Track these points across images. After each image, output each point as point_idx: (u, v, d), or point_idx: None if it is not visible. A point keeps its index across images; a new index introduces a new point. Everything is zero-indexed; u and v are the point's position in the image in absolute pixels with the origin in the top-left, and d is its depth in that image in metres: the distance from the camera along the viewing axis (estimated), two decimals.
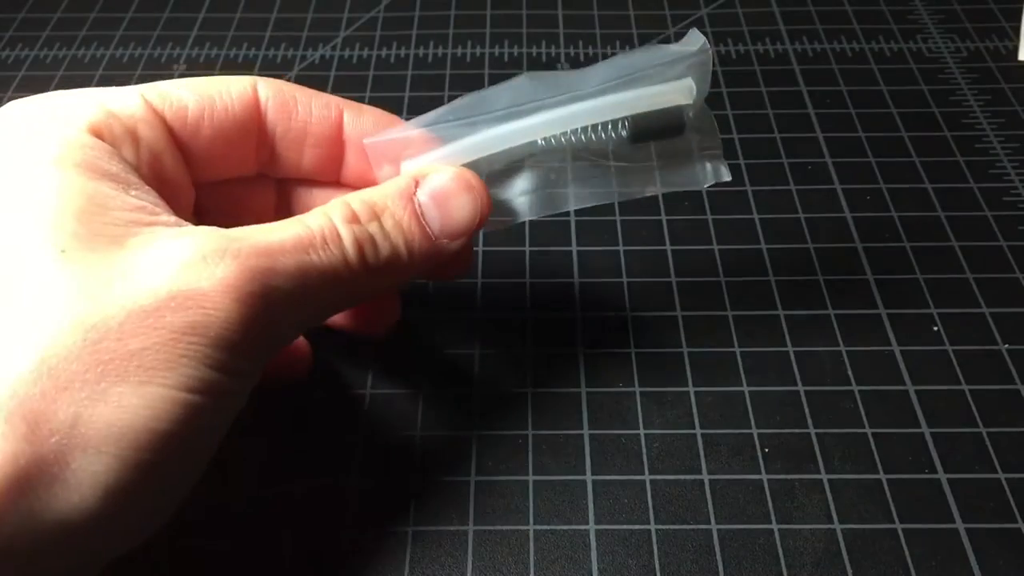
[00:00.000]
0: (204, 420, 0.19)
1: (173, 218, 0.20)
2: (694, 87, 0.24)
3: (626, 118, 0.24)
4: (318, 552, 0.24)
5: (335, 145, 0.25)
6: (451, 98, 0.39)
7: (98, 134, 0.21)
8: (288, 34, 0.43)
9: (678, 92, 0.24)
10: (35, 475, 0.17)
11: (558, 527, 0.25)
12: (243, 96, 0.24)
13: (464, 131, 0.24)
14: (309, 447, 0.27)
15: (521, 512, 0.25)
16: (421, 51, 0.42)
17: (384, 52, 0.42)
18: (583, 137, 0.24)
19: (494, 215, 0.25)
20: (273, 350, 0.21)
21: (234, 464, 0.26)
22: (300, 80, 0.41)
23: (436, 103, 0.39)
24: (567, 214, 0.34)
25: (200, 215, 0.25)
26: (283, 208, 0.27)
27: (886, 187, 0.35)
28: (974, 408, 0.27)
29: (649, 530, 0.25)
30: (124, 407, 0.18)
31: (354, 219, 0.22)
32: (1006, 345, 0.29)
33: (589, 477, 0.26)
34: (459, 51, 0.42)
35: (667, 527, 0.25)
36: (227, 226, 0.21)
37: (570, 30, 0.43)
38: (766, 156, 0.36)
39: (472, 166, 0.24)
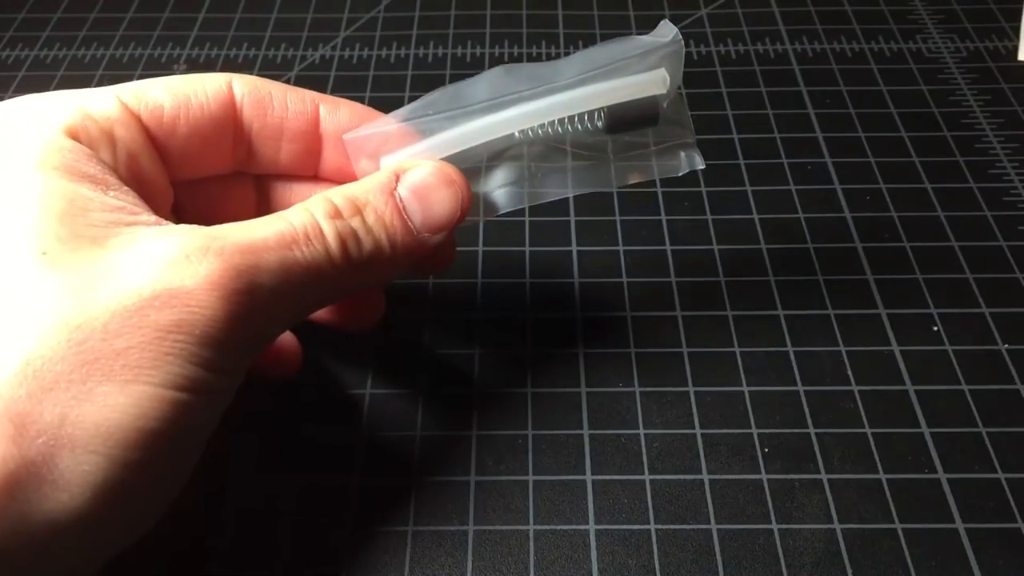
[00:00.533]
0: (191, 418, 0.19)
1: (153, 217, 0.21)
2: (668, 77, 0.24)
3: (602, 109, 0.24)
4: (318, 552, 0.24)
5: (312, 140, 0.25)
6: None
7: (75, 136, 0.21)
8: (288, 34, 0.43)
9: (652, 83, 0.24)
10: (24, 476, 0.17)
11: (558, 527, 0.25)
12: (218, 94, 0.24)
13: (442, 125, 0.24)
14: (309, 447, 0.27)
15: (521, 512, 0.25)
16: (421, 51, 0.42)
17: (384, 52, 0.42)
18: (560, 129, 0.24)
19: (476, 208, 0.25)
20: (258, 347, 0.21)
21: (234, 463, 0.26)
22: (300, 80, 0.41)
23: None
24: (567, 214, 0.34)
25: (179, 214, 0.25)
26: (263, 205, 0.27)
27: (886, 187, 0.35)
28: (974, 408, 0.27)
29: (649, 530, 0.25)
30: (111, 406, 0.18)
31: (336, 214, 0.22)
32: (1006, 345, 0.29)
33: (589, 477, 0.26)
34: (459, 51, 0.42)
35: (667, 527, 0.25)
36: (207, 224, 0.21)
37: (570, 30, 0.43)
38: (766, 156, 0.36)
39: (452, 159, 0.24)
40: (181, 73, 0.41)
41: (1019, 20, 0.42)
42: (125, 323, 0.18)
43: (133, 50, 0.43)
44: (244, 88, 0.24)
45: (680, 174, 0.25)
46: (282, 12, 0.45)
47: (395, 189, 0.23)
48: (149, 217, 0.20)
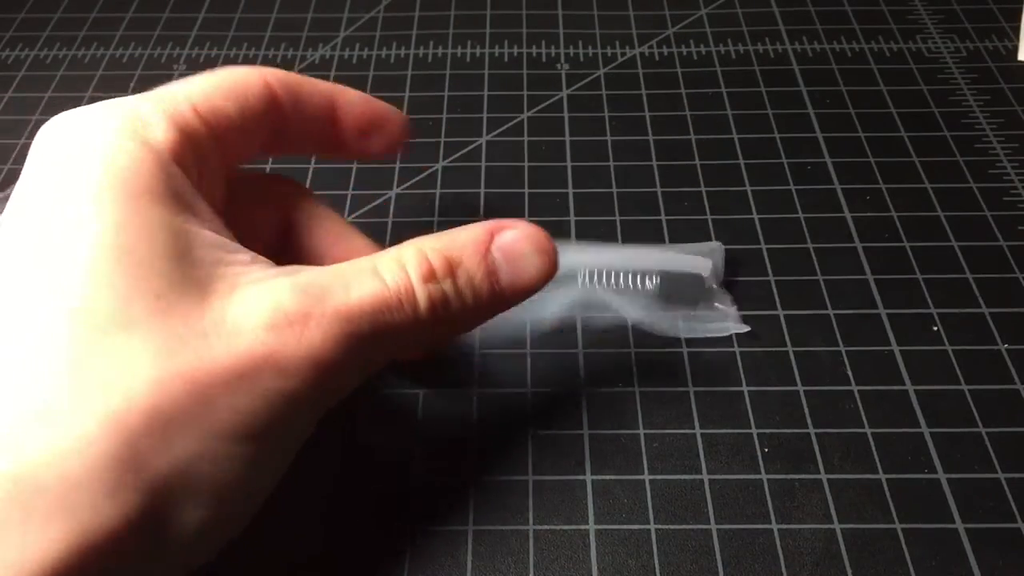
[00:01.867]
0: (269, 477, 0.20)
1: (248, 255, 0.21)
2: (711, 265, 0.29)
3: (656, 275, 0.29)
4: (317, 551, 0.24)
5: (333, 125, 0.26)
6: (451, 98, 0.40)
7: (179, 160, 0.21)
8: (288, 34, 0.43)
9: (699, 264, 0.29)
10: (139, 527, 0.17)
11: (558, 527, 0.25)
12: (262, 92, 0.24)
13: None
14: (308, 447, 0.27)
15: (521, 512, 0.25)
16: (421, 51, 0.42)
17: (384, 52, 0.42)
18: (617, 284, 0.29)
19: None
20: (334, 403, 0.22)
21: None
22: None
23: (436, 103, 0.39)
24: (567, 214, 0.34)
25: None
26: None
27: (886, 187, 0.35)
28: (974, 408, 0.27)
29: (649, 530, 0.25)
30: (222, 462, 0.18)
31: (430, 276, 0.21)
32: (1006, 345, 0.29)
33: (589, 477, 0.26)
34: (459, 51, 0.42)
35: (667, 527, 0.25)
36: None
37: (570, 30, 0.43)
38: (766, 156, 0.36)
39: None
40: (181, 74, 0.41)
41: (1019, 20, 0.42)
42: (241, 384, 0.18)
43: (133, 50, 0.43)
44: (279, 82, 0.24)
45: (722, 335, 0.29)
46: (282, 12, 0.45)
47: (489, 248, 0.22)
48: (244, 255, 0.21)
